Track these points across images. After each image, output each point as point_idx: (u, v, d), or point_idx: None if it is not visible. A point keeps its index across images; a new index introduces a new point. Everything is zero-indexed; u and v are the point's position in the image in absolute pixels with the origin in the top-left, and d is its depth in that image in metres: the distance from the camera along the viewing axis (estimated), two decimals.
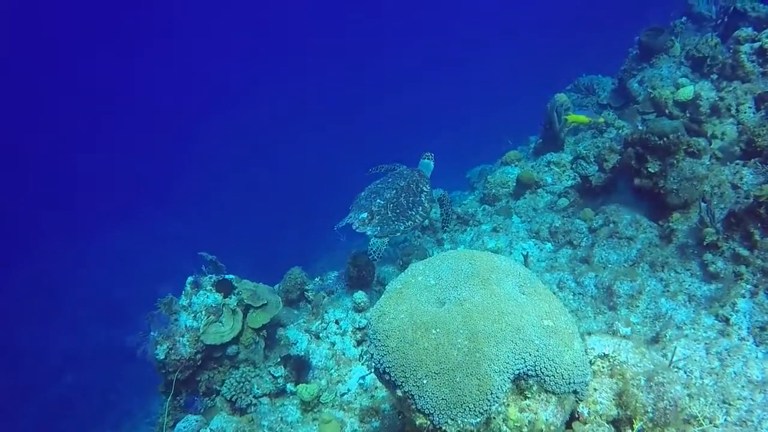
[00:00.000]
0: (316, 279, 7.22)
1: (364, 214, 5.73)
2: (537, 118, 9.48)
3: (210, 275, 6.44)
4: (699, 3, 9.77)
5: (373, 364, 3.25)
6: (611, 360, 3.71)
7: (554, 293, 5.58)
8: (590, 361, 3.67)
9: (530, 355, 3.00)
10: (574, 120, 8.09)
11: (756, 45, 7.01)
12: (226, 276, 6.49)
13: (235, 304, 6.23)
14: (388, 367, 3.08)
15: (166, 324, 6.06)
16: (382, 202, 5.78)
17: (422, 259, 7.41)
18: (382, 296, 3.44)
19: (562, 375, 3.04)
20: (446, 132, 26.43)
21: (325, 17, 46.52)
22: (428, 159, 6.83)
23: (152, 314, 6.17)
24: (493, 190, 8.27)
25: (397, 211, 5.81)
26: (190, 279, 6.35)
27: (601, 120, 8.21)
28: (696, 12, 9.85)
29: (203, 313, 6.09)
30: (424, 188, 6.13)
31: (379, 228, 5.72)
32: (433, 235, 8.17)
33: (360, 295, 6.54)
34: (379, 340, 3.18)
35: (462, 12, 43.75)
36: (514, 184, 8.11)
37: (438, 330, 3.03)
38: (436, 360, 2.94)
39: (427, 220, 7.29)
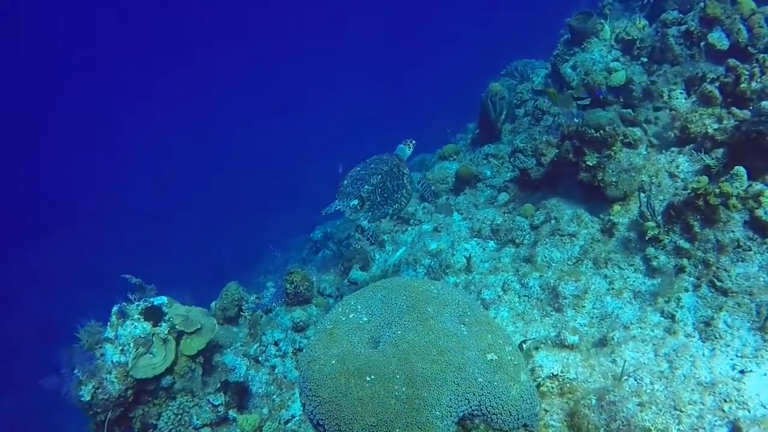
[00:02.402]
0: (253, 297, 6.81)
1: (355, 201, 5.66)
2: (475, 102, 9.31)
3: (137, 302, 5.95)
4: None
5: (306, 415, 2.96)
6: (560, 379, 3.55)
7: (499, 297, 5.45)
8: (539, 384, 3.51)
9: (474, 394, 2.78)
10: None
11: (682, 28, 6.99)
12: (156, 300, 6.02)
13: (167, 331, 5.79)
14: (322, 420, 2.80)
15: (90, 360, 5.55)
16: (370, 188, 5.75)
17: (364, 263, 7.22)
18: (312, 338, 3.14)
19: (510, 411, 2.84)
20: (385, 119, 26.16)
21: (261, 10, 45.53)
22: (405, 144, 6.70)
23: (73, 348, 5.66)
24: (433, 187, 8.02)
25: (385, 195, 5.83)
26: (114, 308, 5.82)
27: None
28: None
29: (131, 345, 5.61)
30: (404, 171, 6.16)
31: (370, 213, 5.69)
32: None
33: (299, 314, 6.21)
34: (310, 390, 2.89)
35: None
36: (454, 179, 7.90)
37: (373, 376, 2.76)
38: (372, 411, 2.67)
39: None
